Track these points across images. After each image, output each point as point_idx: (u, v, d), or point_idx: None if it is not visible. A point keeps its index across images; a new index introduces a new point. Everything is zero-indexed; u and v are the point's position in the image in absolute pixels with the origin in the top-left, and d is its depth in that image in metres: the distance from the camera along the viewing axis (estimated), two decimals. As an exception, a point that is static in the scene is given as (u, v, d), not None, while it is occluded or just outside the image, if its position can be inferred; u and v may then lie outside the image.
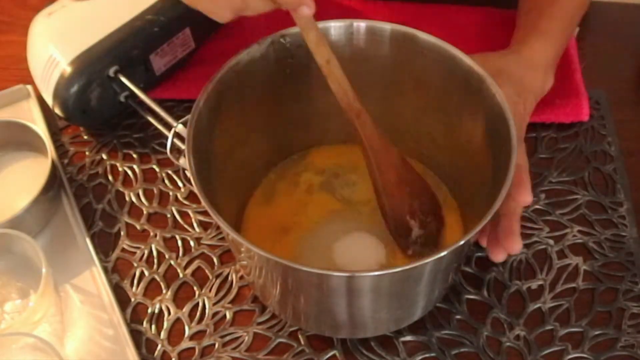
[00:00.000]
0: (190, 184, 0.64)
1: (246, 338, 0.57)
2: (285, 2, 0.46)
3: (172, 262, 0.61)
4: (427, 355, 0.56)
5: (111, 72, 0.64)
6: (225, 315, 0.58)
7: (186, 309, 0.58)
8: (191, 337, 0.57)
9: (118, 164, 0.67)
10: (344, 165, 0.63)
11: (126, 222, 0.63)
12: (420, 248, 0.56)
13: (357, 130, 0.51)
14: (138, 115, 0.67)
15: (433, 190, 0.57)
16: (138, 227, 0.63)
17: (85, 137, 0.69)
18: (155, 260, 0.61)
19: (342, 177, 0.62)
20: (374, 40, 0.56)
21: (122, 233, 0.63)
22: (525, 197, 0.54)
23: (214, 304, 0.59)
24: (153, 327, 0.58)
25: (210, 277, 0.60)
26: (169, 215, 0.64)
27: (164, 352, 0.56)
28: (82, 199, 0.65)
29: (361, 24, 0.55)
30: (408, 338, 0.57)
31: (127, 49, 0.64)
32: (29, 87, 0.71)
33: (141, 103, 0.64)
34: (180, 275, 0.60)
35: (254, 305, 0.58)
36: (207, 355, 0.56)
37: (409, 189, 0.55)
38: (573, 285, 0.59)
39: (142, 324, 0.58)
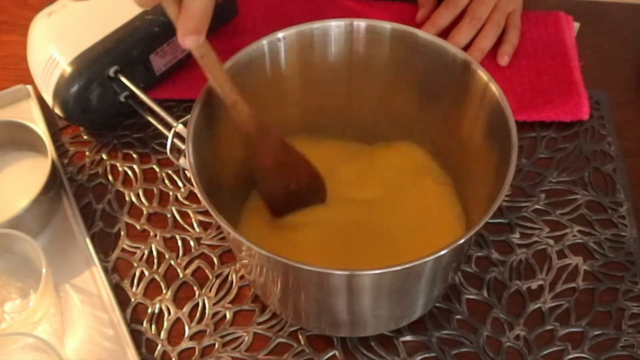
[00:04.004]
0: (191, 184, 0.64)
1: (246, 338, 0.57)
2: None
3: (172, 262, 0.61)
4: (427, 355, 0.56)
5: (111, 72, 0.64)
6: (225, 315, 0.58)
7: (186, 309, 0.58)
8: (191, 337, 0.57)
9: (118, 164, 0.67)
10: (343, 161, 0.63)
11: (126, 222, 0.63)
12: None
13: (232, 118, 0.52)
14: (138, 115, 0.67)
15: (314, 168, 0.58)
16: (138, 227, 0.63)
17: (85, 137, 0.69)
18: (155, 260, 0.61)
19: (342, 174, 0.62)
20: (374, 39, 0.56)
21: (122, 233, 0.63)
22: (456, 37, 0.70)
23: (214, 304, 0.59)
24: (153, 327, 0.58)
25: (210, 277, 0.60)
26: (169, 215, 0.64)
27: (164, 352, 0.56)
28: (82, 199, 0.65)
29: (361, 23, 0.55)
30: (408, 338, 0.57)
31: (127, 49, 0.64)
32: (29, 87, 0.71)
33: (141, 103, 0.64)
34: (180, 275, 0.60)
35: (254, 305, 0.58)
36: (207, 355, 0.56)
37: (287, 170, 0.57)
38: (573, 285, 0.59)
39: (142, 324, 0.58)
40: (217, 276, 0.60)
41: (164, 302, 0.59)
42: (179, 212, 0.64)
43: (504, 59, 0.71)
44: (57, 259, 0.60)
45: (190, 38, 0.44)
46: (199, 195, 0.47)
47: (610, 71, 0.73)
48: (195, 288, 0.59)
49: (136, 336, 0.57)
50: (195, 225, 0.63)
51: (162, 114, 0.60)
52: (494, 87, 0.51)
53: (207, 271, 0.60)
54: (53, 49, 0.64)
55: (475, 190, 0.56)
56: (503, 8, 0.72)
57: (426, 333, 0.57)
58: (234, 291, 0.59)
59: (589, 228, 0.62)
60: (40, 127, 0.66)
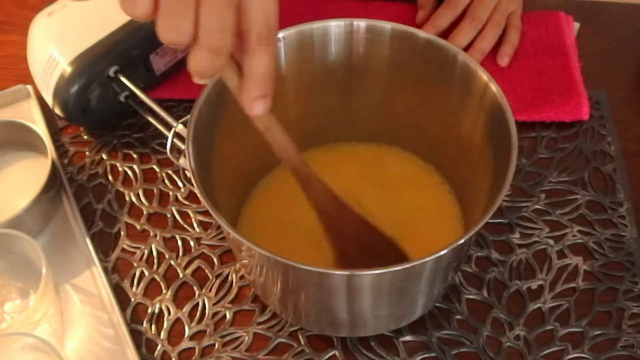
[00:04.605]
0: (191, 184, 0.64)
1: (246, 338, 0.57)
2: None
3: (172, 262, 0.61)
4: (427, 355, 0.56)
5: (111, 72, 0.64)
6: (225, 315, 0.58)
7: (186, 309, 0.58)
8: (191, 337, 0.57)
9: (118, 164, 0.67)
10: (343, 163, 0.63)
11: (126, 222, 0.63)
12: None
13: (307, 194, 0.50)
14: (138, 115, 0.67)
15: (391, 240, 0.55)
16: (138, 227, 0.63)
17: (85, 137, 0.69)
18: (155, 260, 0.61)
19: (342, 175, 0.62)
20: (373, 39, 0.56)
21: (122, 233, 0.63)
22: (456, 38, 0.71)
23: (214, 304, 0.59)
24: (153, 327, 0.58)
25: (210, 277, 0.60)
26: (169, 215, 0.64)
27: (164, 352, 0.56)
28: (82, 199, 0.65)
29: (361, 23, 0.55)
30: (408, 338, 0.57)
31: (127, 49, 0.64)
32: (29, 87, 0.71)
33: (141, 103, 0.64)
34: (180, 275, 0.60)
35: (254, 305, 0.58)
36: (207, 355, 0.56)
37: (366, 243, 0.54)
38: (573, 285, 0.59)
39: (142, 324, 0.58)
40: (217, 276, 0.60)
41: (164, 302, 0.59)
42: (179, 212, 0.64)
43: (504, 60, 0.71)
44: (57, 259, 0.60)
45: (258, 103, 0.40)
46: (199, 195, 0.47)
47: (610, 71, 0.73)
48: (195, 288, 0.59)
49: (136, 336, 0.57)
50: (195, 225, 0.63)
51: (162, 114, 0.60)
52: (494, 87, 0.51)
53: (207, 271, 0.60)
54: (53, 49, 0.64)
55: (475, 191, 0.56)
56: (503, 9, 0.72)
57: (426, 333, 0.57)
58: (234, 291, 0.59)
59: (589, 228, 0.62)
60: (40, 127, 0.66)
